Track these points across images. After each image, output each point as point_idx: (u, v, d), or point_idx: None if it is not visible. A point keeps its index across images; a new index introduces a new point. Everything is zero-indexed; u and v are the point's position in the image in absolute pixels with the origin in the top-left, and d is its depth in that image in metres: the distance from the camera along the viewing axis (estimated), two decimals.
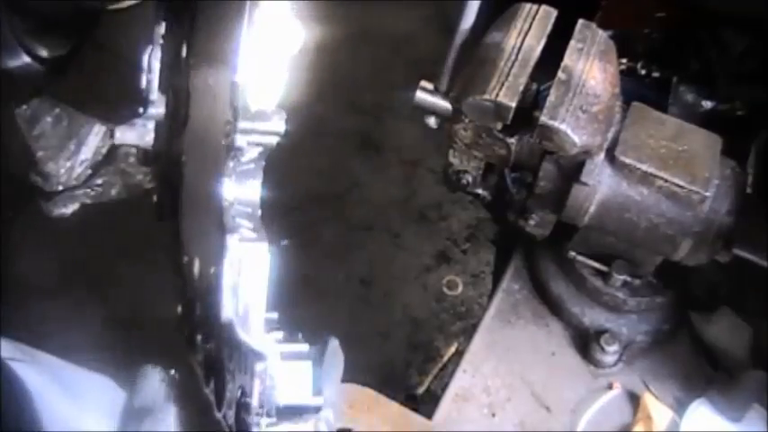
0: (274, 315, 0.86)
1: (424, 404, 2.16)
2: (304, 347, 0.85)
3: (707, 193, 1.18)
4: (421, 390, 2.30)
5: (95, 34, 1.07)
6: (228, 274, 0.80)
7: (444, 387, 1.40)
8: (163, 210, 1.10)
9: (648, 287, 1.35)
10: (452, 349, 2.37)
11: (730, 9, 1.33)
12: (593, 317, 1.38)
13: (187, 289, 0.94)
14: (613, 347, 1.34)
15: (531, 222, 1.30)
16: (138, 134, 1.10)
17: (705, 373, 1.35)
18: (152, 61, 1.05)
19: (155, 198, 1.13)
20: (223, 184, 0.84)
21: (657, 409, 1.30)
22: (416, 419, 1.31)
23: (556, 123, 1.14)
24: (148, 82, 1.06)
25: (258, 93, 0.84)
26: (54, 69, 1.06)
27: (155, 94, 1.07)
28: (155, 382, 0.90)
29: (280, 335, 0.85)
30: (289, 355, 0.83)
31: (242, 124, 0.82)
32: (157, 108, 1.06)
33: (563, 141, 1.15)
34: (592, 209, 1.22)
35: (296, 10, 0.86)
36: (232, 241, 0.81)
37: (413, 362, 2.38)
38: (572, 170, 1.21)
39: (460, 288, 2.53)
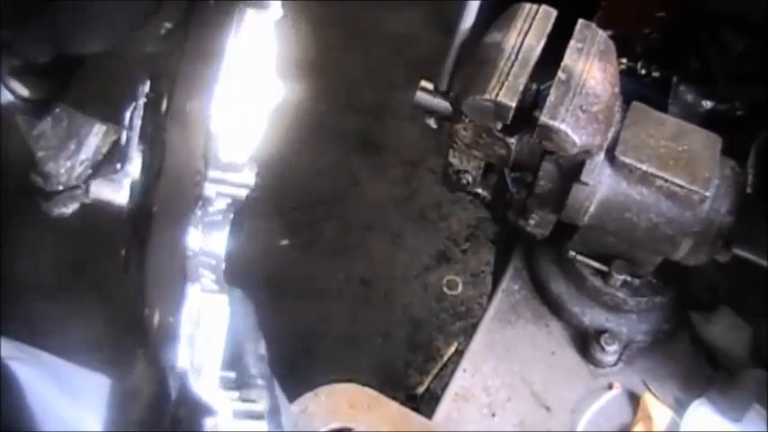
0: (231, 374, 0.84)
1: (424, 404, 2.16)
2: (259, 407, 0.83)
3: (707, 193, 1.18)
4: (421, 390, 2.30)
5: (75, 88, 1.07)
6: (186, 323, 0.79)
7: (444, 387, 1.40)
8: (129, 262, 1.08)
9: (648, 287, 1.35)
10: (452, 349, 2.37)
11: (730, 9, 1.33)
12: (593, 316, 1.38)
13: (148, 340, 0.93)
14: (613, 347, 1.34)
15: (531, 222, 1.30)
16: (114, 189, 1.10)
17: (705, 373, 1.35)
18: (133, 118, 1.05)
19: (123, 251, 1.12)
20: (188, 233, 0.83)
21: (657, 409, 1.30)
22: (416, 419, 1.31)
23: (556, 123, 1.14)
24: (128, 139, 1.06)
25: (231, 144, 0.83)
26: (35, 111, 1.06)
27: (133, 151, 1.07)
28: (139, 364, 0.90)
29: (235, 394, 0.83)
30: (242, 414, 0.80)
31: (212, 173, 0.82)
32: (136, 165, 1.06)
33: (563, 141, 1.15)
34: (592, 209, 1.22)
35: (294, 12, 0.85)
36: (192, 291, 0.80)
37: (413, 362, 2.38)
38: (572, 170, 1.21)
39: (460, 288, 2.53)
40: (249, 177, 0.83)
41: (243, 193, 0.84)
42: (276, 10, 0.82)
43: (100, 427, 1.05)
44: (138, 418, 0.92)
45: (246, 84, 0.82)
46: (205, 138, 0.83)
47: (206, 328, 0.80)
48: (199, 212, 0.83)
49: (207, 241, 0.84)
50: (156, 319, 0.89)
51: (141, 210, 1.06)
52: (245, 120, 0.83)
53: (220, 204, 0.84)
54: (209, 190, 0.82)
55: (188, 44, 0.93)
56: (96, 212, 1.10)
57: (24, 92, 1.03)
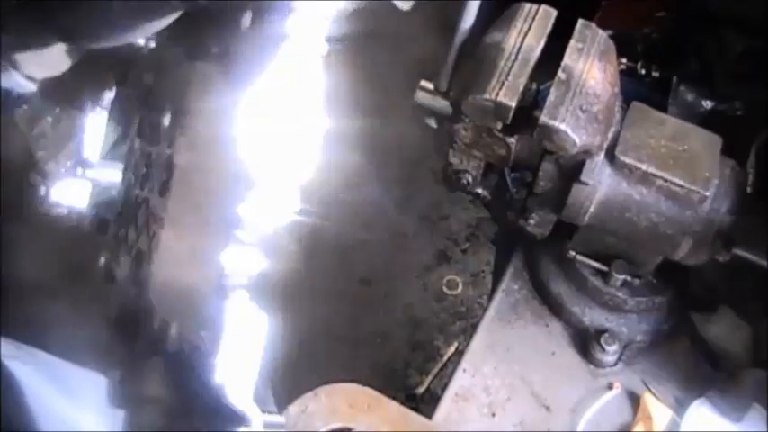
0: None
1: (424, 404, 2.16)
2: (280, 418, 0.88)
3: (707, 193, 1.18)
4: (421, 390, 2.30)
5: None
6: (226, 339, 0.81)
7: (444, 387, 1.40)
8: (114, 271, 1.07)
9: (648, 287, 1.35)
10: (452, 349, 2.37)
11: (730, 9, 1.33)
12: (593, 317, 1.38)
13: (162, 350, 0.93)
14: (613, 347, 1.34)
15: (531, 222, 1.30)
16: (74, 195, 1.09)
17: (705, 373, 1.35)
18: (97, 125, 1.05)
19: (102, 260, 1.12)
20: (225, 252, 0.84)
21: (657, 409, 1.30)
22: (416, 419, 1.31)
23: (556, 123, 1.14)
24: (90, 145, 1.06)
25: (275, 169, 0.85)
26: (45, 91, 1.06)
27: (96, 158, 1.07)
28: (159, 373, 0.90)
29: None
30: (269, 425, 0.86)
31: (257, 199, 0.84)
32: (97, 174, 1.06)
33: (563, 141, 1.15)
34: (592, 208, 1.22)
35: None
36: (232, 309, 0.82)
37: (413, 362, 2.38)
38: (572, 170, 1.21)
39: (460, 288, 2.53)
40: (293, 202, 0.84)
41: (284, 216, 0.85)
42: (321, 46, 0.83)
43: (99, 426, 1.05)
44: (152, 424, 0.92)
45: (287, 110, 0.83)
46: (242, 162, 0.83)
47: (244, 345, 0.82)
48: (237, 234, 0.84)
49: (244, 260, 0.85)
50: (175, 331, 0.89)
51: (127, 219, 1.06)
52: (287, 146, 0.83)
53: (259, 227, 0.84)
54: (252, 214, 0.83)
55: (228, 71, 0.92)
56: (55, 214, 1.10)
57: (36, 72, 1.03)
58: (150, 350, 0.94)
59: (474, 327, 1.46)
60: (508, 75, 1.15)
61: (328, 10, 0.83)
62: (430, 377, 2.32)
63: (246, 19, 0.92)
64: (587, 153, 1.18)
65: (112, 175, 1.06)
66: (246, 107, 0.86)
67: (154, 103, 1.03)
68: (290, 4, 0.84)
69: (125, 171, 1.06)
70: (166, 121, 1.01)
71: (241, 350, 0.84)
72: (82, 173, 1.08)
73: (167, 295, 0.97)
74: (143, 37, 1.00)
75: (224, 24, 0.93)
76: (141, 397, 0.90)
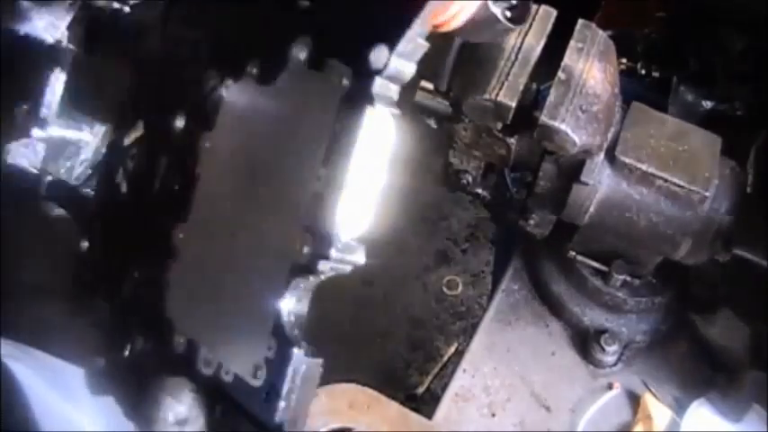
0: None
1: (424, 404, 2.16)
2: None
3: (707, 193, 1.18)
4: (421, 390, 2.30)
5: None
6: (287, 383, 0.82)
7: (444, 387, 1.40)
8: (101, 284, 1.05)
9: (648, 287, 1.35)
10: (452, 349, 2.37)
11: (730, 9, 1.33)
12: (592, 317, 1.38)
13: (197, 381, 0.92)
14: (613, 347, 1.34)
15: (531, 222, 1.30)
16: (31, 157, 1.08)
17: (705, 373, 1.35)
18: (53, 80, 1.04)
19: (84, 245, 1.10)
20: (283, 298, 0.84)
21: (657, 409, 1.30)
22: (416, 419, 1.31)
23: (556, 123, 1.14)
24: (48, 103, 1.05)
25: (349, 223, 0.84)
26: None
27: (51, 115, 1.05)
28: (185, 396, 0.89)
29: None
30: None
31: (333, 254, 0.82)
32: (52, 131, 1.04)
33: (563, 141, 1.15)
34: (592, 208, 1.22)
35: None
36: (295, 355, 0.83)
37: (413, 362, 2.38)
38: (572, 170, 1.20)
39: (460, 288, 2.53)
40: (361, 257, 0.84)
41: (348, 269, 0.85)
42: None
43: (97, 426, 1.05)
44: None
45: (361, 166, 0.83)
46: (313, 213, 0.84)
47: (303, 389, 0.84)
48: (300, 282, 0.85)
49: (298, 306, 0.86)
50: (224, 371, 0.89)
51: (115, 237, 1.05)
52: (360, 200, 0.84)
53: (323, 276, 0.85)
54: (324, 266, 0.83)
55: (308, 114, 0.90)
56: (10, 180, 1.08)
57: None
58: (167, 367, 0.93)
59: (474, 327, 1.46)
60: (508, 75, 1.15)
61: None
62: (430, 377, 2.32)
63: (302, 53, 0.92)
64: (587, 153, 1.18)
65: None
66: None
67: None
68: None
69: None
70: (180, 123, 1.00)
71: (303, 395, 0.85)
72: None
73: (193, 313, 0.95)
74: None
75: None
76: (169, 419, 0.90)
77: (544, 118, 1.14)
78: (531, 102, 1.20)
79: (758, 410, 1.26)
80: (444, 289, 2.52)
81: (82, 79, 1.11)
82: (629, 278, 1.32)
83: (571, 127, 1.14)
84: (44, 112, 1.07)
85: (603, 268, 1.33)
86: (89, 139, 1.13)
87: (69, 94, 1.09)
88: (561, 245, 1.35)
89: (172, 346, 0.94)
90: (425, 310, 2.48)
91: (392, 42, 0.82)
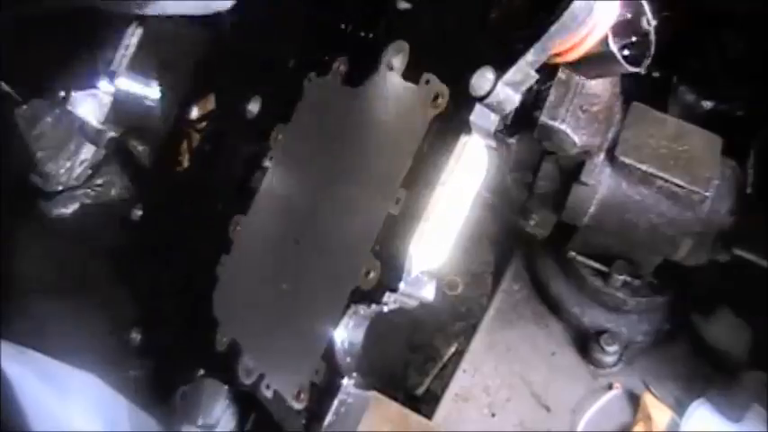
0: None
1: (424, 404, 2.16)
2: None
3: (707, 194, 1.18)
4: (421, 390, 2.29)
5: None
6: (331, 414, 0.78)
7: (444, 387, 1.40)
8: (147, 257, 1.01)
9: (648, 287, 1.35)
10: (452, 349, 2.36)
11: (730, 9, 1.33)
12: (592, 317, 1.38)
13: (242, 392, 0.89)
14: (613, 347, 1.34)
15: (531, 222, 1.30)
16: (95, 109, 1.06)
17: (705, 373, 1.35)
18: (128, 36, 1.01)
19: (137, 213, 1.06)
20: (339, 322, 0.80)
21: (657, 409, 1.30)
22: (416, 419, 1.31)
23: (556, 123, 1.14)
24: (122, 57, 1.03)
25: (422, 260, 0.78)
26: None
27: (122, 69, 1.03)
28: (220, 399, 0.88)
29: None
30: None
31: (403, 288, 0.77)
32: (120, 83, 1.02)
33: (563, 141, 1.15)
34: (592, 209, 1.22)
35: None
36: (345, 385, 0.79)
37: (413, 362, 2.37)
38: (572, 170, 1.20)
39: (460, 288, 2.53)
40: (431, 294, 0.80)
41: (415, 304, 0.80)
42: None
43: (94, 427, 1.05)
44: None
45: (446, 196, 0.77)
46: (386, 238, 0.78)
47: (346, 422, 0.80)
48: (359, 308, 0.80)
49: (353, 334, 0.81)
50: (271, 389, 0.85)
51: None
52: (438, 233, 0.78)
53: (386, 308, 0.80)
54: (388, 298, 0.78)
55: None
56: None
57: None
58: (205, 365, 0.91)
59: (474, 327, 1.46)
60: None
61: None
62: (430, 377, 2.31)
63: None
64: (587, 153, 1.18)
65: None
66: None
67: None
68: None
69: None
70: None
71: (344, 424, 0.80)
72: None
73: (240, 315, 0.91)
74: None
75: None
76: None
77: (544, 118, 1.14)
78: (531, 102, 1.20)
79: (758, 410, 1.26)
80: (444, 289, 2.52)
81: (157, 40, 1.09)
82: (629, 278, 1.31)
83: (571, 127, 1.14)
84: (115, 65, 1.06)
85: (604, 269, 1.33)
86: (155, 96, 1.10)
87: (142, 52, 1.07)
88: (561, 245, 1.35)
89: (213, 343, 0.91)
90: (425, 310, 2.48)
91: (497, 67, 0.74)
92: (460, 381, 1.37)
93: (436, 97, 0.80)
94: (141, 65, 1.09)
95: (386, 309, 0.79)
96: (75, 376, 1.08)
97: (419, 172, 0.78)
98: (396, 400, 1.33)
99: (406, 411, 1.32)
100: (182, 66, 1.12)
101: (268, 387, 0.85)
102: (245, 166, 0.95)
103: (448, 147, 0.76)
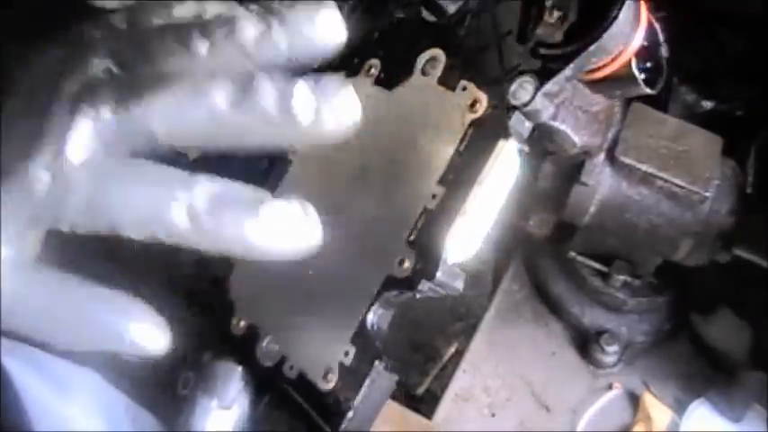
0: None
1: (424, 404, 2.16)
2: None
3: (707, 194, 1.18)
4: (421, 390, 2.29)
5: None
6: (362, 394, 0.82)
7: (444, 387, 1.40)
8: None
9: (648, 287, 1.35)
10: (452, 349, 2.37)
11: (730, 8, 1.33)
12: (592, 317, 1.38)
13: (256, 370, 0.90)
14: (613, 348, 1.34)
15: (531, 223, 1.30)
16: None
17: (705, 373, 1.35)
18: None
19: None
20: (370, 311, 0.83)
21: (657, 409, 1.30)
22: (416, 419, 1.31)
23: (556, 123, 1.13)
24: None
25: (459, 251, 0.81)
26: None
27: None
28: (235, 381, 0.88)
29: None
30: None
31: (439, 276, 0.80)
32: None
33: (563, 141, 1.15)
34: (592, 209, 1.22)
35: None
36: (377, 366, 0.82)
37: (413, 362, 2.38)
38: (572, 170, 1.20)
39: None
40: (460, 285, 0.82)
41: (444, 294, 0.83)
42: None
43: (95, 426, 1.05)
44: None
45: (481, 195, 0.81)
46: (423, 230, 0.81)
47: (374, 403, 0.85)
48: (391, 296, 0.82)
49: (383, 319, 0.84)
50: (295, 368, 0.86)
51: None
52: (471, 228, 0.82)
53: (419, 295, 0.82)
54: (423, 286, 0.80)
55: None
56: None
57: None
58: (220, 348, 0.91)
59: (474, 327, 1.46)
60: None
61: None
62: (430, 377, 2.32)
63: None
64: (587, 153, 1.18)
65: None
66: None
67: None
68: None
69: None
70: None
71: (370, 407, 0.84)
72: None
73: (261, 297, 0.93)
74: None
75: None
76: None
77: (544, 118, 1.14)
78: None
79: (758, 410, 1.26)
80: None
81: None
82: (629, 279, 1.32)
83: (571, 127, 1.14)
84: None
85: (604, 269, 1.33)
86: None
87: None
88: (561, 245, 1.35)
89: (228, 327, 0.92)
90: (425, 310, 2.48)
91: (535, 78, 0.80)
92: (460, 381, 1.37)
93: (474, 103, 0.84)
94: None
95: (418, 296, 0.82)
96: (74, 371, 1.08)
97: (456, 171, 0.82)
98: (396, 400, 1.33)
99: (406, 411, 1.31)
100: None
101: (291, 368, 0.87)
102: (268, 158, 0.97)
103: (485, 149, 0.81)
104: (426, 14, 0.97)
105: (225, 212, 0.66)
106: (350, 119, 0.65)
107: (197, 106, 0.68)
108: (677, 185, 1.18)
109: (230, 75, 0.69)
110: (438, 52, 0.89)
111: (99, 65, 0.73)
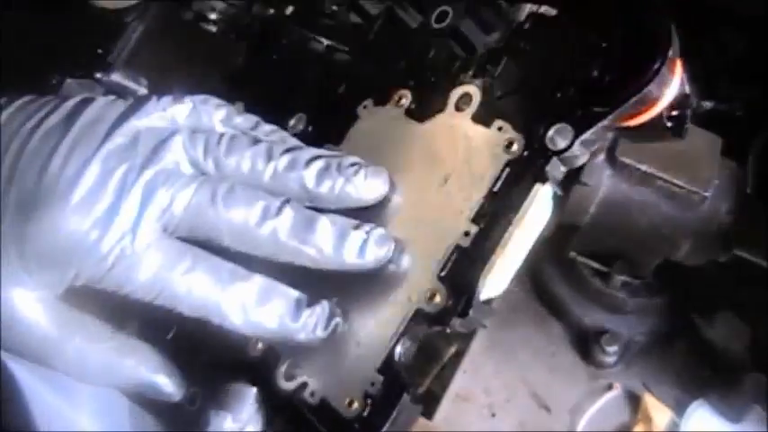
0: None
1: (424, 404, 2.15)
2: None
3: (707, 194, 1.18)
4: (421, 390, 2.29)
5: None
6: (388, 425, 0.84)
7: (444, 387, 1.39)
8: None
9: (648, 288, 1.35)
10: (452, 349, 2.36)
11: (729, 8, 1.33)
12: (593, 317, 1.38)
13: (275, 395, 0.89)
14: (613, 348, 1.34)
15: None
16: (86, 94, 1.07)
17: (705, 374, 1.34)
18: (131, 31, 1.02)
19: None
20: (400, 339, 0.85)
21: (657, 410, 1.30)
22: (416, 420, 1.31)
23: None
24: (121, 50, 1.04)
25: (493, 284, 0.82)
26: None
27: (119, 63, 1.04)
28: (250, 402, 0.88)
29: None
30: None
31: (471, 314, 0.83)
32: (116, 78, 1.03)
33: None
34: (592, 209, 1.22)
35: None
36: (404, 398, 0.86)
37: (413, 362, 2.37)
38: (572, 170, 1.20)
39: None
40: (488, 322, 0.85)
41: (471, 329, 0.86)
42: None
43: (96, 427, 1.05)
44: None
45: (515, 236, 0.81)
46: (455, 268, 0.83)
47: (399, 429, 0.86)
48: (420, 329, 0.85)
49: (409, 350, 0.87)
50: (315, 393, 0.87)
51: None
52: (504, 268, 0.82)
53: (447, 330, 0.85)
54: (455, 323, 0.84)
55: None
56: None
57: None
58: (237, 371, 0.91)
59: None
60: None
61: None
62: (430, 378, 2.31)
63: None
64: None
65: None
66: None
67: None
68: None
69: None
70: None
71: None
72: None
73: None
74: None
75: None
76: None
77: None
78: None
79: (758, 412, 1.26)
80: None
81: (160, 40, 1.11)
82: (629, 279, 1.31)
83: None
84: (112, 57, 1.06)
85: (604, 269, 1.33)
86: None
87: (142, 48, 1.09)
88: (561, 246, 1.34)
89: (245, 349, 0.91)
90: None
91: (574, 125, 0.81)
92: (460, 381, 1.37)
93: (510, 144, 0.84)
94: (139, 62, 1.09)
95: (447, 331, 0.85)
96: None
97: (490, 210, 0.83)
98: None
99: None
100: (184, 71, 1.12)
101: (312, 395, 0.86)
102: None
103: (522, 191, 0.81)
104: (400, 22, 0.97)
105: (271, 306, 0.81)
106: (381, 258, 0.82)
107: (263, 227, 0.79)
108: (677, 185, 1.18)
109: (293, 206, 0.81)
110: (473, 89, 0.89)
111: (170, 157, 0.78)
